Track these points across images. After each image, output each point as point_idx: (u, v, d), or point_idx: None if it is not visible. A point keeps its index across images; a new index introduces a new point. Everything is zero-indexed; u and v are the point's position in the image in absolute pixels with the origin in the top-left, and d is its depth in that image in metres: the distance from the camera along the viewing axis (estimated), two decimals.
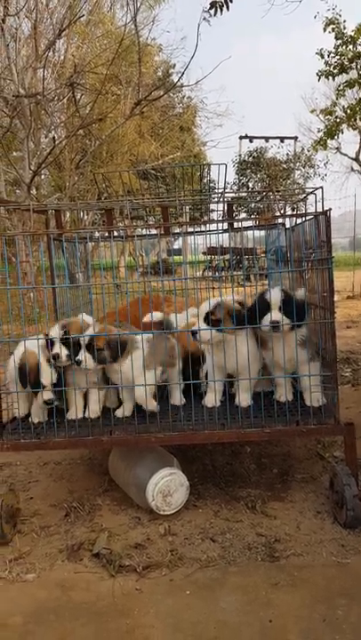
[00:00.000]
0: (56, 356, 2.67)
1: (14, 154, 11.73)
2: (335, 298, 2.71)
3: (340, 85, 10.12)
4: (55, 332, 2.74)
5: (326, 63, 9.97)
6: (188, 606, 2.03)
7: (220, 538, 2.45)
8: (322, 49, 10.03)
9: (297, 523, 2.54)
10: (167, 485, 2.59)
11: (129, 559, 2.32)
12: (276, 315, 2.59)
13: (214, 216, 4.67)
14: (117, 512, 2.73)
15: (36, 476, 3.22)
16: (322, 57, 9.99)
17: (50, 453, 3.42)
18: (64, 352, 2.68)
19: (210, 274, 5.52)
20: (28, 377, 2.63)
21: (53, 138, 10.21)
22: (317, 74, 9.98)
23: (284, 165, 20.61)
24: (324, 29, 9.69)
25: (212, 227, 3.74)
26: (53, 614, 2.03)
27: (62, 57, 11.67)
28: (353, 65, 9.32)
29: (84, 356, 2.62)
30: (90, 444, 2.65)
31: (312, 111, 11.10)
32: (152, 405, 2.71)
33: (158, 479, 2.58)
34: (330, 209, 2.55)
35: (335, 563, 2.23)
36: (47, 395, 2.67)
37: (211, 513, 2.66)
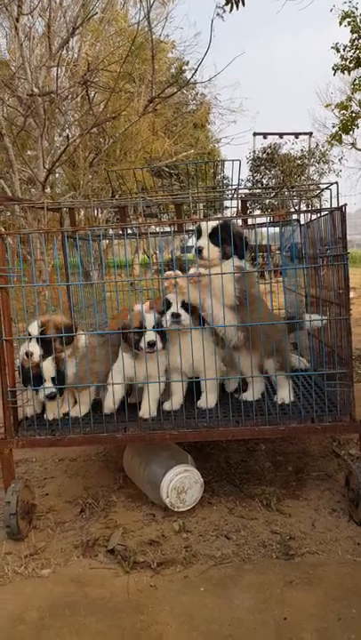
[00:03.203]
0: (29, 354, 2.65)
1: (29, 153, 11.80)
2: (351, 294, 2.68)
3: (355, 79, 10.03)
4: (33, 328, 2.70)
5: (342, 57, 9.89)
6: (203, 603, 2.03)
7: (234, 535, 2.44)
8: (337, 43, 9.96)
9: (312, 520, 2.53)
10: (182, 482, 2.59)
11: (143, 555, 2.33)
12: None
13: (228, 213, 4.65)
14: (132, 509, 2.74)
15: (52, 472, 3.24)
16: (337, 51, 9.91)
17: (65, 450, 3.45)
18: (37, 351, 2.66)
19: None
20: (31, 372, 2.66)
21: (67, 136, 10.26)
22: (333, 68, 9.92)
23: (299, 161, 20.48)
24: (340, 23, 9.60)
25: None
26: (69, 609, 2.05)
27: (76, 55, 11.69)
28: None
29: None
30: (104, 440, 2.66)
31: (327, 106, 11.03)
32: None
33: (173, 476, 2.58)
34: (345, 204, 2.52)
35: (351, 561, 2.22)
36: (48, 389, 2.67)
37: (225, 510, 2.66)
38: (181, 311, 2.62)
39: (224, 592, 2.09)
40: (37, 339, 2.67)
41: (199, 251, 2.56)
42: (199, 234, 2.60)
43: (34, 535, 2.55)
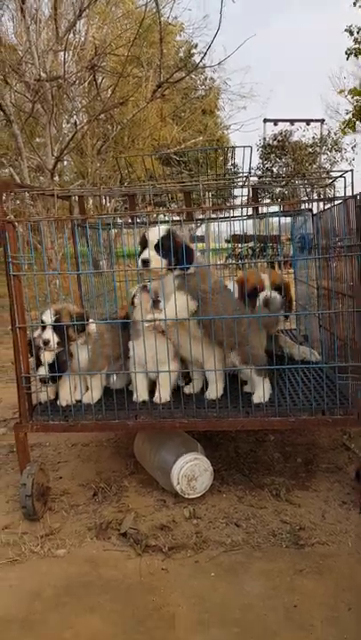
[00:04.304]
0: (46, 342, 2.69)
1: (37, 140, 11.75)
2: None
3: None
4: (47, 316, 2.73)
5: (356, 40, 9.74)
6: (213, 588, 2.08)
7: (244, 523, 2.48)
8: (351, 26, 9.80)
9: (322, 512, 2.56)
10: (192, 470, 2.63)
11: (155, 539, 2.38)
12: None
13: (238, 201, 4.63)
14: (143, 494, 2.79)
15: (65, 456, 3.30)
16: (351, 34, 9.76)
17: (77, 435, 3.50)
18: (54, 338, 2.70)
19: (233, 261, 5.50)
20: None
21: (75, 123, 10.19)
22: (346, 52, 9.77)
23: (310, 149, 20.25)
24: (355, 4, 9.43)
25: (236, 213, 3.71)
26: (83, 588, 2.10)
27: (83, 39, 11.57)
28: None
29: None
30: (116, 427, 2.70)
31: (340, 92, 10.88)
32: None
33: (183, 463, 2.62)
34: (360, 193, 2.49)
35: None
36: (40, 375, 2.75)
37: (235, 498, 2.70)
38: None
39: (234, 578, 2.13)
40: (53, 327, 2.70)
41: (145, 262, 2.58)
42: (144, 244, 2.62)
43: (49, 516, 2.61)
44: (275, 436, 3.39)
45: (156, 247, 2.58)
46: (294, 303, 4.05)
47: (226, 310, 2.63)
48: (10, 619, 1.96)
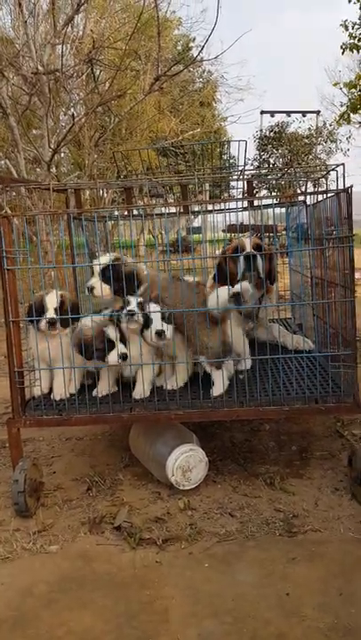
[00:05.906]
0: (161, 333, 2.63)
1: (34, 132, 11.70)
2: (356, 276, 2.68)
3: None
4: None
5: (351, 35, 9.70)
6: (207, 579, 2.08)
7: (238, 513, 2.49)
8: (346, 20, 9.75)
9: (315, 499, 2.56)
10: (187, 461, 2.63)
11: (149, 532, 2.38)
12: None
13: (234, 193, 4.62)
14: (138, 487, 2.79)
15: (59, 451, 3.29)
16: (346, 29, 9.71)
17: (71, 429, 3.49)
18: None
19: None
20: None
21: (72, 115, 10.14)
22: (342, 47, 9.73)
23: (306, 140, 20.17)
24: (349, 0, 9.37)
25: (232, 204, 3.70)
26: (76, 584, 2.10)
27: (81, 32, 11.50)
28: None
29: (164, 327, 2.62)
30: (111, 420, 2.69)
31: (335, 84, 10.81)
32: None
33: (178, 455, 2.62)
34: (351, 186, 2.50)
35: (352, 538, 2.25)
36: (49, 318, 2.74)
37: (229, 488, 2.70)
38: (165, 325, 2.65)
39: (228, 568, 2.13)
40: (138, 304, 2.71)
41: (91, 289, 2.77)
42: (92, 272, 2.83)
43: (42, 512, 2.60)
44: (270, 425, 3.39)
45: (102, 273, 2.76)
46: (288, 290, 4.04)
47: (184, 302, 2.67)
48: (1, 617, 1.95)
